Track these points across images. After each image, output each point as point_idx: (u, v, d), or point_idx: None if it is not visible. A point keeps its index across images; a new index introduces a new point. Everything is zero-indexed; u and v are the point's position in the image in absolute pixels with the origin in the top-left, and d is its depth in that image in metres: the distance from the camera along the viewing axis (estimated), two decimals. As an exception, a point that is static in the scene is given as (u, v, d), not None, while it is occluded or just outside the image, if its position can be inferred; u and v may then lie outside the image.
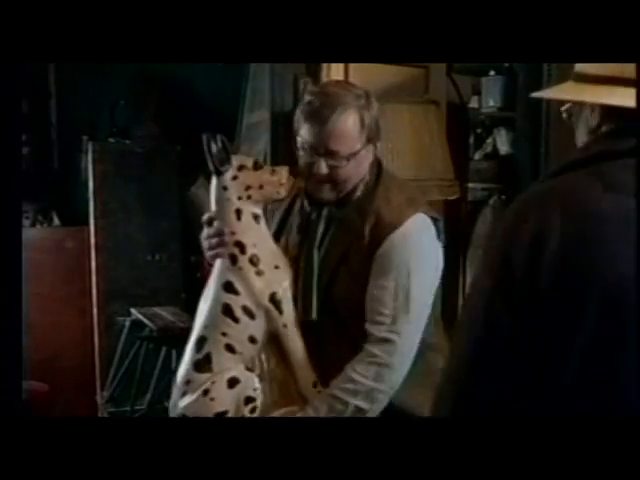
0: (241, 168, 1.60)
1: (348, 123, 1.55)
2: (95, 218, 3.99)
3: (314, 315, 1.62)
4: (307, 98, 1.60)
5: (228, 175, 1.59)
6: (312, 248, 1.65)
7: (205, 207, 1.71)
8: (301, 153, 1.61)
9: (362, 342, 1.57)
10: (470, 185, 2.97)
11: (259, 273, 1.59)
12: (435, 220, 1.63)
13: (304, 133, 1.58)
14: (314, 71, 2.77)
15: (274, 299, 1.60)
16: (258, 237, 1.62)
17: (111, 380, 3.75)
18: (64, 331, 3.95)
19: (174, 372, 3.36)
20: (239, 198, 1.60)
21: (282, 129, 2.85)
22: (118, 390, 3.68)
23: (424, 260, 1.60)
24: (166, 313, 3.68)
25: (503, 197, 3.22)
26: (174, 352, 3.41)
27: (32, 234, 3.91)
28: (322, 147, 1.55)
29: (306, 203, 1.69)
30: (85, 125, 4.10)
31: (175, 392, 1.65)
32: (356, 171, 1.60)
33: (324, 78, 2.69)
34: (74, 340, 3.98)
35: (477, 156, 3.38)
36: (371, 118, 1.58)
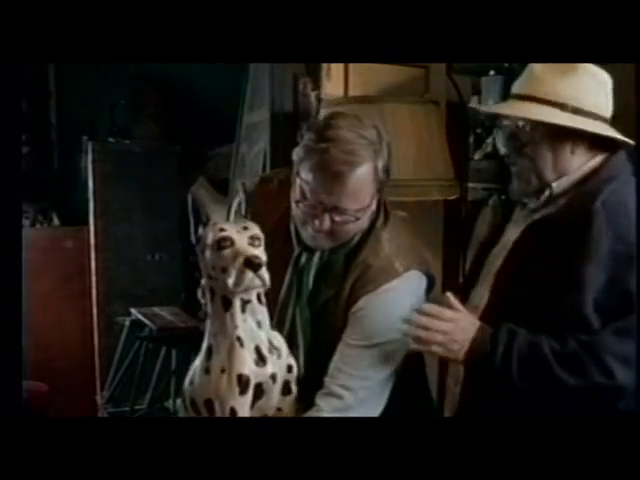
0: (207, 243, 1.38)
1: (363, 179, 1.39)
2: (95, 218, 3.98)
3: (301, 371, 1.48)
4: (317, 144, 1.38)
5: (199, 247, 1.40)
6: (302, 304, 1.50)
7: (205, 207, 1.66)
8: (299, 202, 1.43)
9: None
10: (470, 185, 2.96)
11: (206, 371, 1.40)
12: (426, 273, 1.49)
13: (310, 182, 1.39)
14: (314, 71, 2.77)
15: (209, 407, 1.39)
16: (221, 328, 1.39)
17: (111, 380, 3.75)
18: (64, 331, 3.94)
19: (174, 372, 3.39)
20: (209, 277, 1.39)
21: (282, 129, 2.85)
22: (118, 390, 3.68)
23: (393, 328, 1.42)
24: (166, 313, 3.68)
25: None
26: (174, 352, 3.41)
27: (32, 234, 3.91)
28: (331, 203, 1.39)
29: (295, 241, 1.52)
30: (85, 125, 4.10)
31: None
32: (360, 223, 1.45)
33: (324, 78, 2.69)
34: (74, 340, 3.98)
35: (477, 156, 3.37)
36: (384, 164, 1.42)
